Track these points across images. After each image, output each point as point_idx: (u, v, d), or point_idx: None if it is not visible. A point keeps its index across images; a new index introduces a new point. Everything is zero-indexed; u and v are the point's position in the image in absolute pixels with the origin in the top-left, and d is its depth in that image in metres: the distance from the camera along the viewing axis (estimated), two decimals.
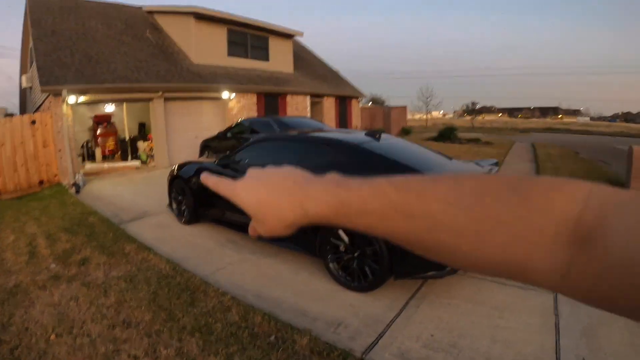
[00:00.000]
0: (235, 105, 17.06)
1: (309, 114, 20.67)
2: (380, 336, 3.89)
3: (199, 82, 15.53)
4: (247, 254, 5.81)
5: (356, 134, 5.93)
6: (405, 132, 32.53)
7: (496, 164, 5.84)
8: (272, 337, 3.77)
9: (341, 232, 4.68)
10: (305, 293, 4.71)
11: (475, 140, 26.06)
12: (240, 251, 5.91)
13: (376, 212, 0.54)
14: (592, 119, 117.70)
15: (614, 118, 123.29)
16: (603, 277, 0.41)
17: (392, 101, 72.69)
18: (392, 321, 4.14)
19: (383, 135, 5.78)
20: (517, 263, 0.47)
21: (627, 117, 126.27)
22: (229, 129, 13.27)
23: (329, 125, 18.24)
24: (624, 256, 0.39)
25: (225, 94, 16.28)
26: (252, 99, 17.89)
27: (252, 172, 0.71)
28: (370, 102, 57.27)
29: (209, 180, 0.74)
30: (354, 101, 26.49)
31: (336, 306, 4.41)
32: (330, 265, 4.88)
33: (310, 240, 5.05)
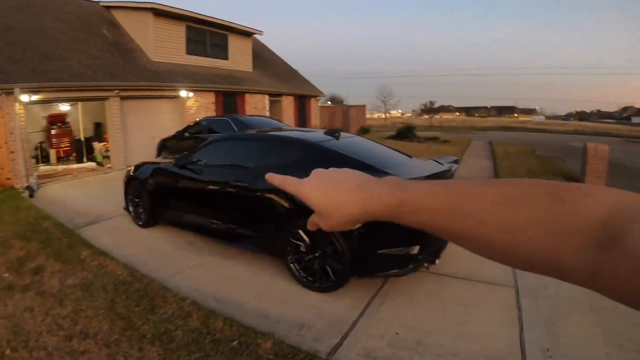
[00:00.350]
0: (193, 104, 16.81)
1: (267, 113, 20.52)
2: (345, 336, 3.88)
3: (156, 81, 15.21)
4: (207, 256, 5.71)
5: (315, 133, 5.91)
6: (364, 131, 32.68)
7: (456, 161, 5.89)
8: (235, 342, 3.70)
9: (301, 232, 4.66)
10: (267, 295, 4.66)
11: (434, 139, 26.47)
12: (200, 254, 5.80)
13: (429, 211, 0.62)
14: (547, 117, 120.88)
15: (568, 117, 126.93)
16: (633, 277, 0.44)
17: (351, 100, 73.13)
18: (356, 321, 4.13)
19: (342, 134, 5.77)
20: (551, 259, 0.52)
21: (581, 116, 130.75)
22: (187, 128, 13.06)
23: (288, 124, 18.16)
24: None
25: (183, 93, 15.99)
26: (211, 97, 17.67)
27: (318, 173, 0.79)
28: (329, 102, 57.32)
29: (274, 179, 0.82)
30: (313, 100, 26.49)
31: (299, 307, 4.38)
32: (292, 266, 4.84)
33: (271, 241, 5.01)
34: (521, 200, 0.55)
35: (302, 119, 24.97)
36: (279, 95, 22.35)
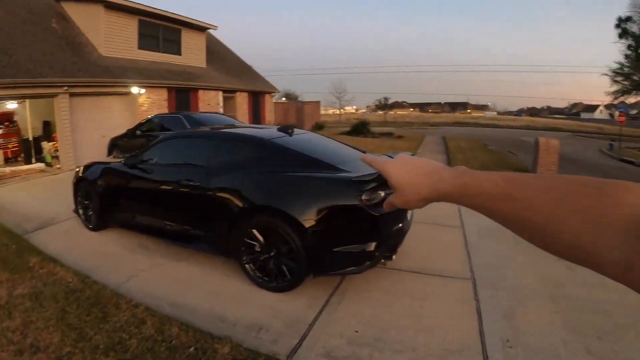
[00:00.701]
0: (145, 101, 16.43)
1: (221, 110, 20.29)
2: (304, 337, 3.85)
3: (107, 77, 14.77)
4: (159, 258, 5.58)
5: (268, 130, 5.85)
6: (318, 127, 32.68)
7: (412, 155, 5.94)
8: (192, 349, 3.60)
9: (255, 232, 4.62)
10: (222, 296, 4.58)
11: (388, 134, 26.88)
12: (152, 256, 5.66)
13: (488, 194, 0.70)
14: (499, 113, 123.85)
15: (519, 113, 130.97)
16: None
17: (306, 97, 73.15)
18: (315, 320, 4.11)
19: (296, 131, 5.74)
20: (589, 249, 0.56)
21: (532, 112, 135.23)
22: (139, 126, 12.77)
23: (241, 121, 17.98)
24: None
25: (134, 89, 15.59)
26: (163, 94, 17.33)
27: (401, 157, 0.91)
28: (284, 98, 57.06)
29: (367, 158, 1.00)
30: (267, 96, 26.34)
31: (255, 308, 4.32)
32: (247, 266, 4.79)
33: (224, 242, 4.94)
34: (566, 190, 0.60)
35: (257, 116, 24.80)
36: (233, 91, 22.12)
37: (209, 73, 21.32)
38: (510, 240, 6.56)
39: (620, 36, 35.25)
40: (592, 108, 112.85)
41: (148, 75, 16.72)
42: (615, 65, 43.88)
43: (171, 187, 5.38)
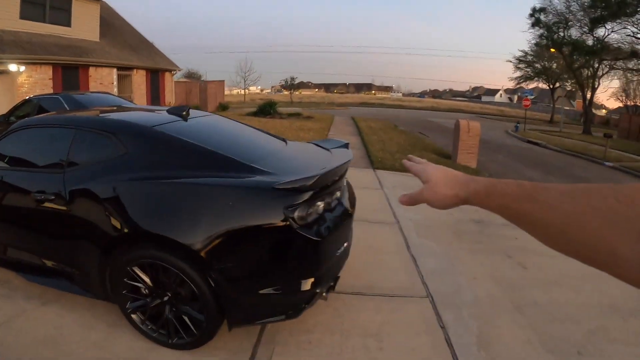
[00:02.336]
0: (26, 81, 14.37)
1: (115, 90, 18.31)
2: None
3: None
4: (21, 301, 3.85)
5: (155, 114, 4.35)
6: (222, 107, 31.68)
7: (346, 145, 4.64)
8: None
9: (137, 269, 3.18)
10: None
11: (296, 115, 26.15)
12: (13, 298, 3.90)
13: (513, 195, 0.76)
14: (403, 95, 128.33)
15: (422, 94, 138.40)
16: None
17: (210, 76, 70.71)
18: None
19: (194, 113, 4.28)
20: (608, 248, 0.58)
21: (435, 94, 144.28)
22: (14, 110, 10.85)
23: (135, 102, 16.18)
24: None
25: (13, 67, 13.46)
26: (48, 72, 15.24)
27: (440, 168, 1.02)
28: (187, 77, 54.38)
29: (406, 163, 1.14)
30: (167, 75, 24.53)
31: None
32: (133, 316, 3.31)
33: (97, 280, 3.40)
34: (584, 192, 0.64)
35: (156, 96, 22.99)
36: (129, 68, 20.15)
37: (102, 48, 19.16)
38: (451, 237, 6.09)
39: (533, 25, 37.14)
40: (493, 92, 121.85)
41: (31, 50, 14.57)
42: (520, 54, 48.14)
43: (20, 202, 3.75)
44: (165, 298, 3.17)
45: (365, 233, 5.74)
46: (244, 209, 2.98)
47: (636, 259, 0.54)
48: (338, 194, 3.58)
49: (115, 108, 5.54)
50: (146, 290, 3.22)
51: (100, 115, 4.19)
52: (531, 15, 36.88)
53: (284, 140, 4.70)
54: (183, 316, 3.14)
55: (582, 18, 33.95)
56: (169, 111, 4.17)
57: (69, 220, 3.38)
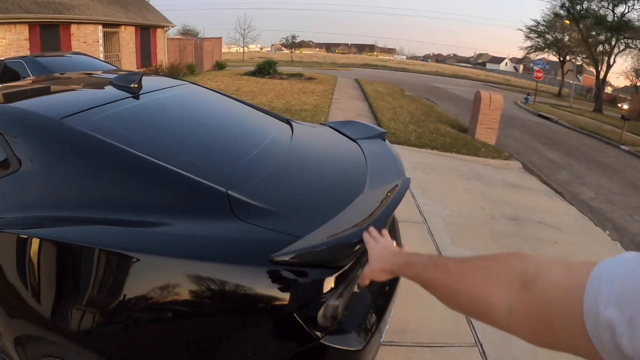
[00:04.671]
0: None
1: (101, 49, 16.93)
2: None
3: None
4: None
5: (99, 90, 2.91)
6: (219, 66, 30.44)
7: (382, 135, 3.18)
8: None
9: None
10: None
11: (297, 75, 24.32)
12: None
13: (422, 263, 0.99)
14: (407, 57, 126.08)
15: (426, 58, 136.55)
16: (542, 310, 0.66)
17: (208, 33, 68.81)
18: None
19: (153, 83, 2.94)
20: (484, 298, 0.77)
21: (438, 58, 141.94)
22: None
23: (125, 61, 14.77)
24: (551, 298, 0.65)
25: None
26: (23, 32, 13.89)
27: (387, 241, 1.29)
28: (182, 34, 52.21)
29: (365, 237, 1.33)
30: (159, 32, 23.09)
31: None
32: None
33: None
34: (475, 259, 0.87)
35: (146, 54, 21.60)
36: (117, 25, 18.70)
37: (86, 3, 17.60)
38: (488, 242, 5.18)
39: None
40: (498, 60, 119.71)
41: (3, 8, 13.15)
42: (532, 23, 46.33)
43: None
44: None
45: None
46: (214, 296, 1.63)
47: (505, 304, 0.72)
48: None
49: (96, 72, 4.16)
50: None
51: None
52: None
53: (287, 121, 3.25)
54: None
55: None
56: (112, 82, 2.76)
57: None
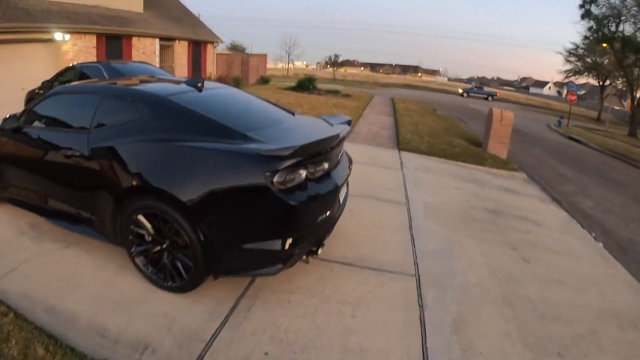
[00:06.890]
0: (71, 49, 14.87)
1: (157, 59, 18.80)
2: None
3: (27, 21, 13.05)
4: (47, 243, 4.39)
5: (174, 85, 4.71)
6: (264, 81, 32.23)
7: (348, 122, 5.07)
8: None
9: (141, 218, 3.64)
10: (108, 299, 3.54)
11: (334, 92, 26.03)
12: (40, 241, 4.44)
13: None
14: (449, 79, 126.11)
15: (469, 81, 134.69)
16: None
17: (254, 49, 70.98)
18: (215, 335, 3.22)
19: (209, 85, 4.73)
20: None
21: (482, 81, 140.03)
22: (58, 76, 11.04)
23: (178, 72, 16.57)
24: None
25: (58, 36, 14.02)
26: (92, 41, 15.74)
27: None
28: (230, 49, 54.73)
29: None
30: (209, 47, 24.90)
31: (145, 317, 3.35)
32: (137, 259, 3.80)
33: (111, 226, 3.91)
34: None
35: (197, 67, 23.40)
36: (172, 39, 20.60)
37: (145, 18, 19.61)
38: (459, 222, 6.05)
39: (583, 17, 33.87)
40: (542, 84, 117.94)
41: (75, 20, 15.07)
42: (570, 46, 45.35)
43: (52, 157, 4.26)
44: (164, 245, 3.62)
45: (372, 210, 6.00)
46: (230, 172, 3.38)
47: None
48: (326, 165, 3.80)
49: (144, 78, 5.91)
50: (149, 237, 3.68)
51: (122, 84, 4.63)
52: (581, 5, 33.52)
53: (292, 113, 5.04)
54: (177, 262, 3.59)
55: (637, 13, 31.29)
56: (186, 82, 4.61)
57: (90, 173, 3.91)
